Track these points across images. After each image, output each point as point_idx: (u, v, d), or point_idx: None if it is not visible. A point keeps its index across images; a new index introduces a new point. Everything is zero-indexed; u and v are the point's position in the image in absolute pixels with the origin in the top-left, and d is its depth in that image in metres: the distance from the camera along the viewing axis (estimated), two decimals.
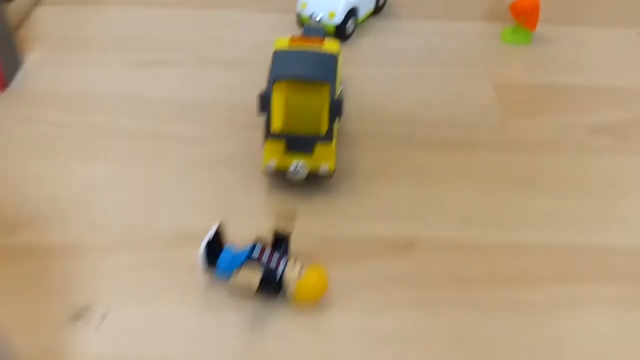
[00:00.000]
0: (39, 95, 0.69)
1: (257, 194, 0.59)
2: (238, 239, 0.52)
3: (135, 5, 0.84)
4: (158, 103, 0.69)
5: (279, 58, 0.58)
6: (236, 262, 0.49)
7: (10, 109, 0.67)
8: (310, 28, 0.68)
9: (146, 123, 0.66)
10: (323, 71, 0.57)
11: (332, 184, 0.60)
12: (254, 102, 0.63)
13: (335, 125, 0.58)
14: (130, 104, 0.69)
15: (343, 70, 0.68)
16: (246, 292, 0.49)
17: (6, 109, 0.67)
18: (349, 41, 0.79)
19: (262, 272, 0.48)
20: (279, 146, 0.57)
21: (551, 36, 0.81)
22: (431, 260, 0.55)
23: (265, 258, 0.49)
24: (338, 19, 0.77)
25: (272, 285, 0.49)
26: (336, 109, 0.56)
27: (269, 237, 0.51)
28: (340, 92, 0.57)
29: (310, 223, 0.57)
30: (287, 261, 0.50)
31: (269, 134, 0.57)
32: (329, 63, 0.58)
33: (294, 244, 0.52)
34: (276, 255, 0.50)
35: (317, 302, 0.50)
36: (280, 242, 0.51)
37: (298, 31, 0.77)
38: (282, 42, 0.60)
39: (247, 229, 0.53)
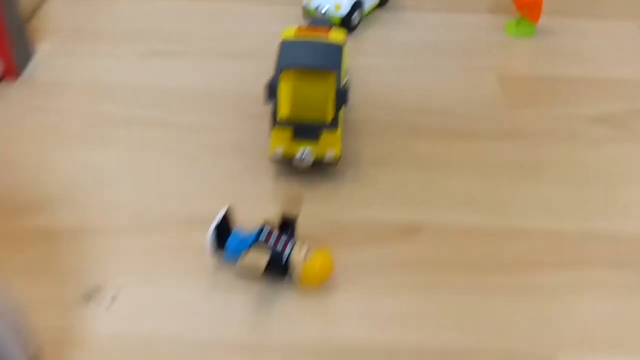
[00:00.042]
0: (51, 85, 0.71)
1: (264, 181, 0.61)
2: (246, 224, 0.53)
3: None
4: (168, 93, 0.70)
5: (286, 48, 0.59)
6: (244, 245, 0.51)
7: (23, 98, 0.69)
8: (316, 20, 0.69)
9: (156, 112, 0.68)
10: (329, 60, 0.58)
11: (337, 171, 0.62)
12: (261, 92, 0.64)
13: (341, 113, 0.59)
14: (141, 94, 0.70)
15: (349, 61, 0.69)
16: (253, 273, 0.50)
17: (19, 97, 0.69)
18: (354, 33, 0.80)
19: (269, 254, 0.50)
20: (285, 134, 0.58)
21: (554, 28, 0.82)
22: (435, 245, 0.56)
23: (272, 241, 0.51)
24: (344, 10, 0.78)
25: (278, 268, 0.51)
26: (342, 97, 0.57)
27: (276, 220, 0.52)
28: (346, 82, 0.58)
29: (317, 209, 0.58)
30: (293, 244, 0.51)
31: (276, 121, 0.58)
32: (335, 52, 0.59)
33: (301, 230, 0.53)
34: (283, 238, 0.51)
35: (322, 284, 0.52)
36: (287, 226, 0.52)
37: (304, 23, 0.78)
38: (289, 32, 0.61)
39: (254, 214, 0.54)
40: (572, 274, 0.54)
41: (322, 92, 0.58)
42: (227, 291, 0.52)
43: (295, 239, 0.52)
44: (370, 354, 0.48)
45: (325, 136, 0.58)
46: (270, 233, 0.51)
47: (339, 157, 0.59)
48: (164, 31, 0.80)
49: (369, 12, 0.84)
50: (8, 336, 0.33)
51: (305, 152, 0.58)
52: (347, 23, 0.79)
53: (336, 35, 0.61)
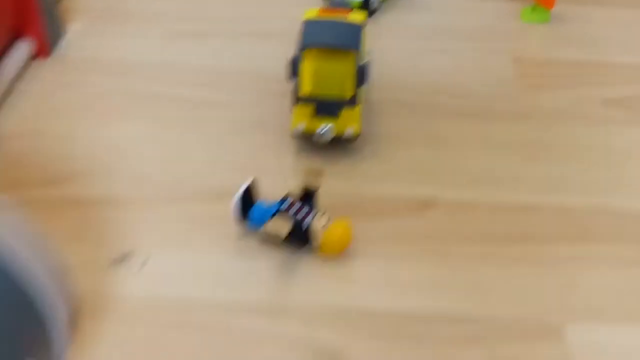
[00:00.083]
0: (81, 62, 0.73)
1: (286, 156, 0.63)
2: (269, 196, 0.56)
3: None
4: (194, 71, 0.73)
5: (308, 27, 0.61)
6: (267, 214, 0.53)
7: (55, 75, 0.72)
8: (336, 2, 0.71)
9: (183, 90, 0.70)
10: (349, 39, 0.60)
11: (356, 148, 0.64)
12: (283, 72, 0.67)
13: (361, 92, 0.61)
14: (168, 72, 0.73)
15: (368, 43, 0.71)
16: (276, 240, 0.53)
17: (51, 75, 0.72)
18: (373, 17, 0.82)
19: (291, 222, 0.52)
20: (307, 110, 0.61)
21: (568, 15, 0.84)
22: (448, 218, 0.58)
23: (294, 210, 0.53)
24: None
25: (300, 236, 0.53)
26: (362, 75, 0.60)
27: (298, 192, 0.55)
28: (365, 61, 0.60)
29: (336, 184, 0.61)
30: (314, 214, 0.54)
31: (297, 98, 0.61)
32: (355, 32, 0.61)
33: (321, 202, 0.56)
34: (304, 209, 0.54)
35: (341, 252, 0.54)
36: (308, 197, 0.55)
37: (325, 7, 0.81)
38: (311, 12, 0.64)
39: (276, 187, 0.57)
40: (580, 247, 0.56)
41: (342, 70, 0.60)
42: (251, 258, 0.54)
43: (316, 210, 0.54)
44: (384, 317, 0.51)
45: (345, 113, 0.60)
46: (292, 204, 0.54)
47: (358, 134, 0.62)
48: (191, 13, 0.82)
49: None
50: (54, 289, 0.36)
51: (325, 128, 0.61)
52: (366, 6, 0.81)
53: (356, 16, 0.64)
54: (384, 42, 0.78)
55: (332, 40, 0.60)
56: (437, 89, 0.72)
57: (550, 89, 0.72)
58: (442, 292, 0.53)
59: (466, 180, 0.62)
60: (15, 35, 0.71)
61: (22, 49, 0.71)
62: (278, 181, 0.59)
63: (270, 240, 0.53)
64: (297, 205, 0.54)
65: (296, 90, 0.60)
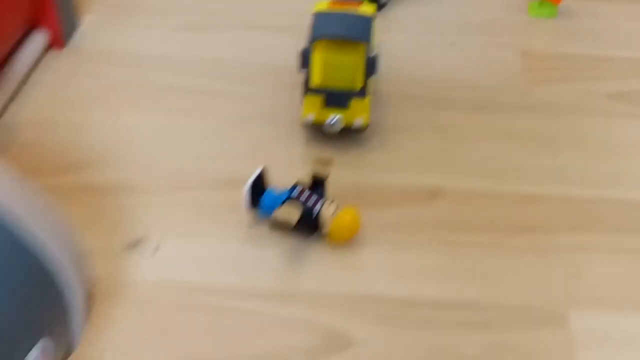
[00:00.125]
0: (95, 53, 0.75)
1: (296, 146, 0.64)
2: (279, 184, 0.57)
3: None
4: (206, 63, 0.74)
5: (319, 19, 0.62)
6: (277, 202, 0.54)
7: (69, 65, 0.73)
8: None
9: (195, 81, 0.72)
10: (359, 31, 0.61)
11: (365, 138, 0.65)
12: (294, 64, 0.68)
13: (371, 83, 0.62)
14: (181, 64, 0.74)
15: (377, 36, 0.73)
16: (285, 227, 0.54)
17: (66, 65, 0.73)
18: (383, 11, 0.83)
19: (301, 209, 0.53)
20: (317, 100, 0.62)
21: (575, 10, 0.85)
22: (454, 207, 0.59)
23: (303, 198, 0.54)
24: None
25: (309, 223, 0.54)
26: (371, 66, 0.61)
27: (307, 180, 0.56)
28: (375, 53, 0.61)
29: (345, 173, 0.62)
30: (323, 202, 0.55)
31: (308, 89, 0.62)
32: (365, 24, 0.62)
33: (330, 190, 0.57)
34: (314, 197, 0.55)
35: (350, 240, 0.55)
36: (317, 186, 0.55)
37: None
38: (322, 5, 0.65)
39: (286, 176, 0.58)
40: (585, 237, 0.57)
41: (352, 62, 0.61)
42: (261, 244, 0.55)
43: (325, 198, 0.55)
44: (391, 303, 0.52)
45: (355, 104, 0.61)
46: (302, 191, 0.55)
47: (367, 124, 0.63)
48: (205, 5, 0.83)
49: None
50: (74, 270, 0.37)
51: (335, 119, 0.62)
52: (376, 0, 0.82)
53: (366, 8, 0.64)
54: (393, 36, 0.79)
55: (342, 31, 0.61)
56: (445, 82, 0.73)
57: (556, 83, 0.73)
58: (448, 279, 0.54)
59: (473, 170, 0.63)
60: (31, 26, 0.72)
61: (37, 40, 0.72)
62: (287, 170, 0.60)
63: (280, 226, 0.54)
64: (307, 193, 0.55)
65: (307, 81, 0.61)
